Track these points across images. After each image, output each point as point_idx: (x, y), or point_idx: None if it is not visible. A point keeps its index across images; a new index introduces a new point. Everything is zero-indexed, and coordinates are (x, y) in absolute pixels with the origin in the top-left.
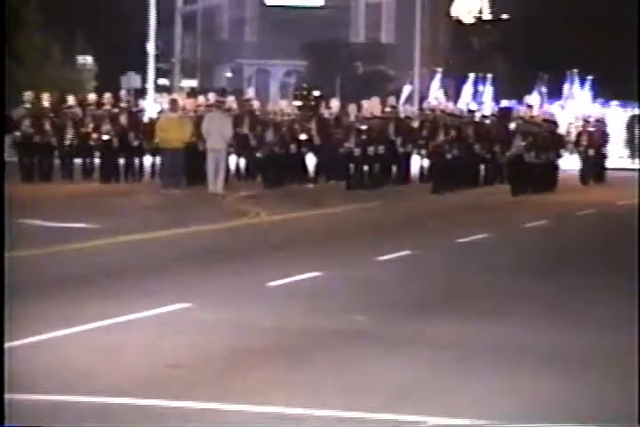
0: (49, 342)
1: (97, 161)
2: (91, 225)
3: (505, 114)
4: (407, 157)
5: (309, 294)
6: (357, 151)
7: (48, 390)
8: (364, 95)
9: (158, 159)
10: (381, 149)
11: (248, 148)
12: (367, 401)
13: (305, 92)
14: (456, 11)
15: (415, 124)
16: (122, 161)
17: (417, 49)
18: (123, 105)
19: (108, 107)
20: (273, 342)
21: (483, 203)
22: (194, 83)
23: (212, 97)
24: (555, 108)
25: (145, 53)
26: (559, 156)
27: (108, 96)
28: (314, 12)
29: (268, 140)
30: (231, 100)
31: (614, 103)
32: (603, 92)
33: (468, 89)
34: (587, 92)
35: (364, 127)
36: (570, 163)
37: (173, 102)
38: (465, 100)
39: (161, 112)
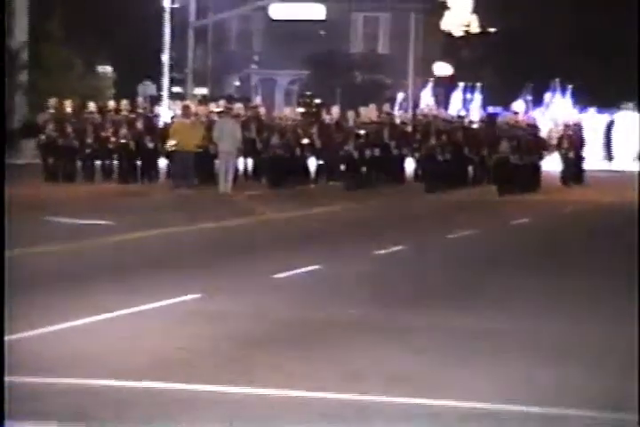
0: (70, 330)
1: (115, 163)
2: (110, 222)
3: (491, 119)
4: (402, 159)
5: (312, 286)
6: (356, 154)
7: (67, 373)
8: (362, 102)
9: (172, 161)
10: (377, 151)
11: (255, 151)
12: (364, 385)
13: (307, 100)
14: (446, 25)
15: (409, 128)
16: (138, 163)
17: (411, 59)
18: (139, 111)
19: (125, 113)
20: (278, 330)
21: (472, 202)
22: (205, 90)
23: (221, 104)
24: (536, 114)
25: (160, 63)
26: (542, 158)
27: (125, 103)
28: (316, 26)
29: (273, 144)
30: (239, 107)
31: (592, 110)
32: (581, 99)
33: (457, 96)
34: (567, 100)
35: (361, 132)
36: (551, 164)
37: (186, 109)
38: (455, 107)
39: (174, 117)
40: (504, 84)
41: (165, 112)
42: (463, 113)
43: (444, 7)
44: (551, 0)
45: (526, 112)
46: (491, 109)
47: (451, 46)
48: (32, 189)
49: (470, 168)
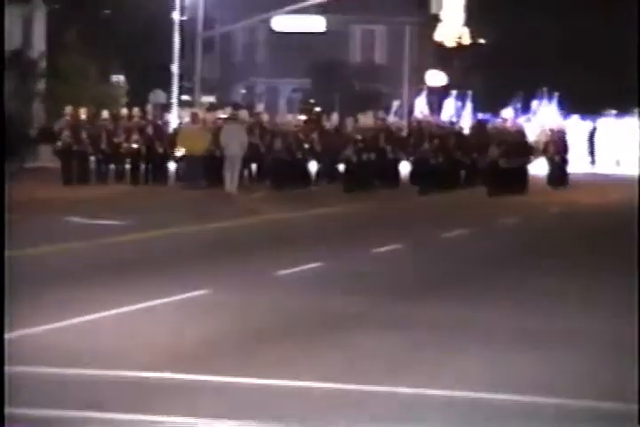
0: (86, 324)
1: (127, 167)
2: (122, 222)
3: (482, 125)
4: (397, 162)
5: (314, 282)
6: (354, 158)
7: (84, 364)
8: (360, 109)
9: (181, 164)
10: (374, 156)
11: (259, 154)
12: (363, 375)
13: (309, 107)
14: (439, 36)
15: (404, 134)
16: (149, 166)
17: (406, 69)
18: (150, 118)
19: (137, 119)
20: (282, 323)
21: (464, 203)
22: (212, 98)
23: (227, 111)
24: (523, 121)
25: (170, 73)
26: (529, 162)
27: (137, 110)
28: (316, 37)
29: (276, 148)
30: (244, 114)
31: (575, 116)
32: (566, 106)
33: (449, 104)
34: (553, 107)
35: (359, 137)
36: (538, 168)
37: (194, 115)
38: (447, 114)
39: (182, 124)
40: (493, 93)
41: (175, 119)
42: (455, 119)
43: (437, 20)
44: (537, 14)
45: (515, 119)
46: (480, 116)
47: (443, 57)
48: (51, 191)
49: (462, 171)
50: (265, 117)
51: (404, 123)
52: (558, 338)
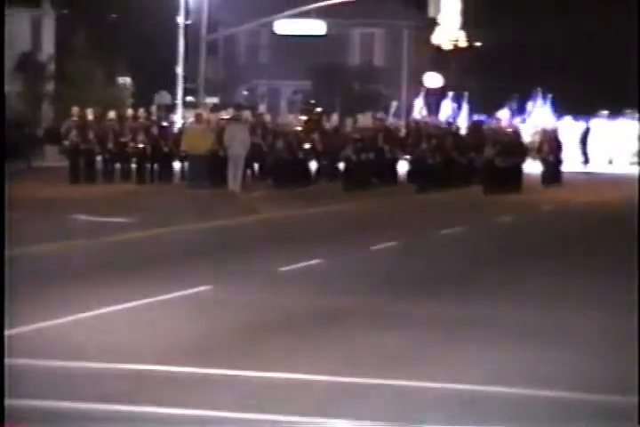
0: (92, 319)
1: (133, 166)
2: (128, 219)
3: (478, 126)
4: (395, 162)
5: (314, 278)
6: (353, 157)
7: (90, 358)
8: (359, 110)
9: (186, 164)
10: (373, 155)
11: (261, 154)
12: (363, 368)
13: (309, 108)
14: (436, 39)
15: (402, 134)
16: (154, 166)
17: (404, 71)
18: (155, 118)
19: (142, 120)
20: (283, 318)
21: (460, 201)
22: (216, 100)
23: (230, 111)
24: (518, 121)
25: (174, 75)
26: (524, 161)
27: (142, 111)
28: (317, 40)
29: (278, 148)
30: (248, 114)
31: (568, 117)
32: (559, 108)
33: (447, 105)
34: (547, 108)
35: (358, 137)
36: (533, 167)
37: (198, 116)
38: (444, 114)
39: (187, 124)
40: (489, 94)
41: (179, 119)
42: (452, 120)
43: (435, 23)
44: (532, 18)
45: (510, 120)
46: (476, 117)
47: (440, 59)
48: (59, 190)
49: (458, 170)
50: (267, 118)
51: (402, 123)
52: (556, 333)
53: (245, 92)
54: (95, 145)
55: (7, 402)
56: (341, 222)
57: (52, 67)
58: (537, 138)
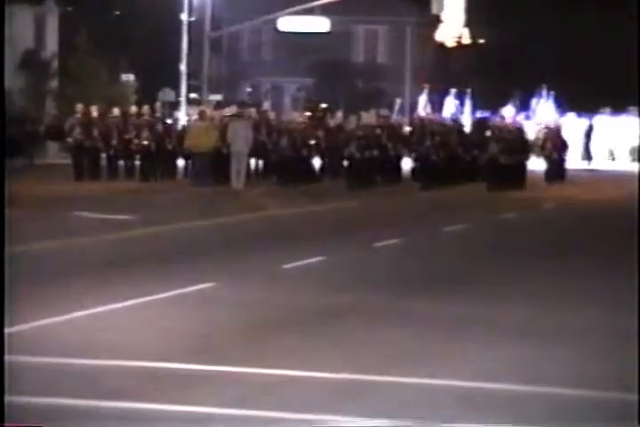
0: (92, 317)
1: (137, 163)
2: (132, 217)
3: (482, 123)
4: (398, 159)
5: (317, 275)
6: (357, 155)
7: (91, 356)
8: (363, 107)
9: (189, 161)
10: (376, 152)
11: (265, 151)
12: (364, 365)
13: (313, 105)
14: (440, 36)
15: (405, 131)
16: (158, 163)
17: (407, 68)
18: (159, 115)
19: (146, 117)
20: (287, 315)
21: (464, 198)
22: (219, 97)
23: (234, 109)
24: (521, 118)
25: (178, 72)
26: (527, 158)
27: (146, 108)
28: (321, 37)
29: (282, 145)
30: (252, 112)
31: (571, 114)
32: (562, 105)
33: (450, 102)
34: (551, 105)
35: (362, 134)
36: (537, 164)
37: (202, 113)
38: (448, 111)
39: (191, 121)
40: (492, 91)
41: (183, 116)
42: (456, 117)
43: (438, 21)
44: (535, 16)
45: (514, 117)
46: (479, 114)
47: (444, 56)
48: (63, 187)
49: (462, 168)
50: (271, 115)
51: (406, 120)
52: (556, 329)
53: (249, 90)
54: (99, 142)
55: (7, 399)
56: (344, 220)
57: (55, 64)
58: (541, 135)
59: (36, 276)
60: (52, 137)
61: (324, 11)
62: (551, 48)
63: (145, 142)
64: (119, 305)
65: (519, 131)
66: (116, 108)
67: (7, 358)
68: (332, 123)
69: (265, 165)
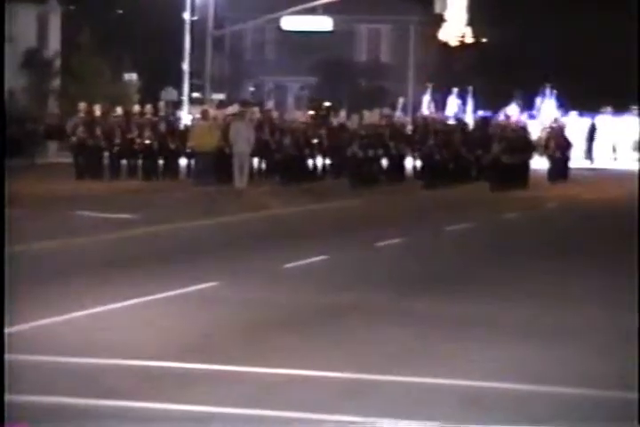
0: (103, 315)
1: (140, 162)
2: (134, 216)
3: (485, 122)
4: (401, 158)
5: (319, 274)
6: (360, 154)
7: (91, 355)
8: (366, 106)
9: (192, 160)
10: (380, 151)
11: (268, 150)
12: (366, 364)
13: (316, 104)
14: (443, 35)
15: (408, 130)
16: (161, 162)
17: (410, 67)
18: (161, 114)
19: (149, 116)
20: (289, 315)
21: (466, 198)
22: (222, 96)
23: (235, 108)
24: (524, 118)
25: (181, 71)
26: (530, 157)
27: (149, 107)
28: (324, 36)
29: (285, 145)
30: (255, 111)
31: (573, 113)
32: (565, 104)
33: (452, 101)
34: (553, 104)
35: (365, 133)
36: (539, 163)
37: (205, 112)
38: (451, 111)
39: (193, 120)
40: (494, 90)
41: (186, 116)
42: (459, 116)
43: (441, 20)
44: (538, 15)
45: (518, 116)
46: (481, 113)
47: (447, 55)
48: (65, 187)
49: (465, 167)
50: (274, 114)
51: (409, 119)
52: (557, 328)
53: (252, 89)
54: (101, 141)
55: (7, 398)
56: (347, 219)
57: (58, 63)
58: (544, 134)
59: (36, 276)
60: (52, 136)
61: (326, 10)
62: (551, 48)
63: (147, 141)
64: (120, 305)
65: (522, 130)
66: (118, 107)
67: (7, 356)
68: (334, 122)
69: (268, 164)
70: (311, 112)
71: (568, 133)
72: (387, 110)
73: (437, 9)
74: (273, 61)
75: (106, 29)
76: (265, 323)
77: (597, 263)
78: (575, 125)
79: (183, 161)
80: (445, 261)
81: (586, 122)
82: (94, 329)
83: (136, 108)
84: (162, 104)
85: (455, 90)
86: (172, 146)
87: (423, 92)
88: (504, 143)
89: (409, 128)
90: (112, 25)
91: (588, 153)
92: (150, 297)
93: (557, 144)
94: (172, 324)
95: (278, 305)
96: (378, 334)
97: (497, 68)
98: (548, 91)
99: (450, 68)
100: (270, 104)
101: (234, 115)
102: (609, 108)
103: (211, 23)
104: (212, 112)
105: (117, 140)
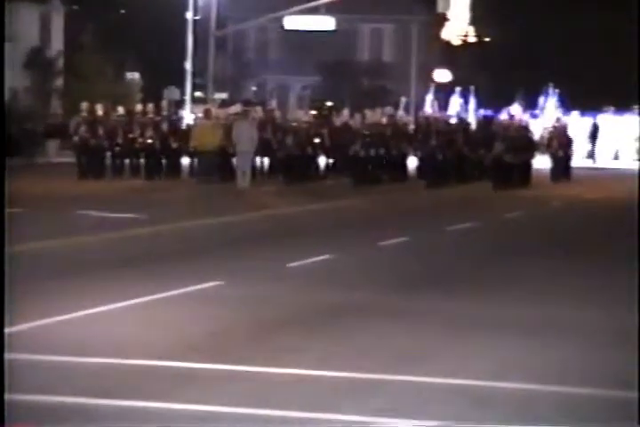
0: (106, 314)
1: (142, 161)
2: (137, 215)
3: (488, 121)
4: (404, 157)
5: (322, 274)
6: (362, 153)
7: (94, 354)
8: (368, 105)
9: (195, 160)
10: (382, 151)
11: (270, 150)
12: (369, 364)
13: (319, 103)
14: (446, 34)
15: (411, 130)
16: (163, 161)
17: (413, 66)
18: (164, 114)
19: (151, 115)
20: (292, 314)
21: (469, 197)
22: (225, 95)
23: (239, 107)
24: (526, 117)
25: (183, 70)
26: (533, 157)
27: (151, 106)
28: (326, 36)
29: (288, 144)
30: (258, 110)
31: (575, 113)
32: (566, 103)
33: (455, 100)
34: (555, 103)
35: (368, 133)
36: (542, 162)
37: (207, 112)
38: (453, 110)
39: (196, 119)
40: (496, 89)
41: (188, 115)
42: (462, 115)
43: (444, 19)
44: (540, 13)
45: (520, 115)
46: (483, 112)
47: (449, 54)
48: (67, 186)
49: (468, 166)
50: (276, 114)
51: (411, 119)
52: (559, 328)
53: (254, 88)
54: (104, 140)
55: (7, 397)
56: (350, 218)
57: (60, 62)
58: (547, 133)
59: (36, 275)
60: (52, 135)
61: (329, 9)
62: (554, 47)
63: (150, 141)
64: (122, 304)
65: (525, 129)
66: (121, 106)
67: (7, 356)
68: (337, 121)
69: (270, 163)
70: (314, 111)
71: (570, 133)
72: (389, 110)
73: (440, 8)
74: (275, 61)
75: (108, 29)
76: (269, 322)
77: (598, 263)
78: (577, 125)
79: (186, 160)
80: (448, 260)
81: (588, 121)
82: (95, 329)
83: (139, 107)
84: (164, 103)
85: (458, 89)
86: (175, 145)
87: (425, 92)
88: (506, 143)
89: (411, 127)
90: (115, 24)
91: (591, 152)
92: (153, 296)
93: (560, 143)
94: (176, 323)
95: (282, 304)
96: (381, 334)
97: (499, 68)
98: (550, 90)
99: (452, 67)
100: (273, 103)
101: (236, 114)
102: (611, 108)
103: (213, 23)
104: (215, 111)
105: (120, 140)
